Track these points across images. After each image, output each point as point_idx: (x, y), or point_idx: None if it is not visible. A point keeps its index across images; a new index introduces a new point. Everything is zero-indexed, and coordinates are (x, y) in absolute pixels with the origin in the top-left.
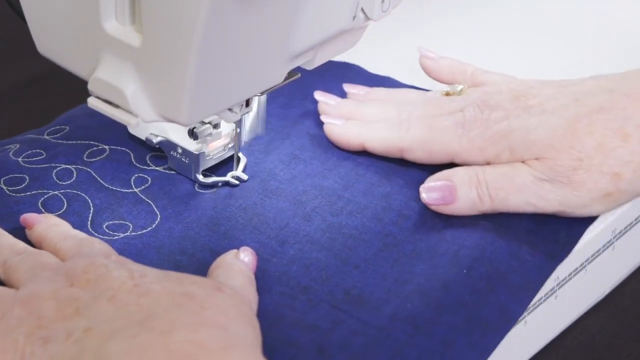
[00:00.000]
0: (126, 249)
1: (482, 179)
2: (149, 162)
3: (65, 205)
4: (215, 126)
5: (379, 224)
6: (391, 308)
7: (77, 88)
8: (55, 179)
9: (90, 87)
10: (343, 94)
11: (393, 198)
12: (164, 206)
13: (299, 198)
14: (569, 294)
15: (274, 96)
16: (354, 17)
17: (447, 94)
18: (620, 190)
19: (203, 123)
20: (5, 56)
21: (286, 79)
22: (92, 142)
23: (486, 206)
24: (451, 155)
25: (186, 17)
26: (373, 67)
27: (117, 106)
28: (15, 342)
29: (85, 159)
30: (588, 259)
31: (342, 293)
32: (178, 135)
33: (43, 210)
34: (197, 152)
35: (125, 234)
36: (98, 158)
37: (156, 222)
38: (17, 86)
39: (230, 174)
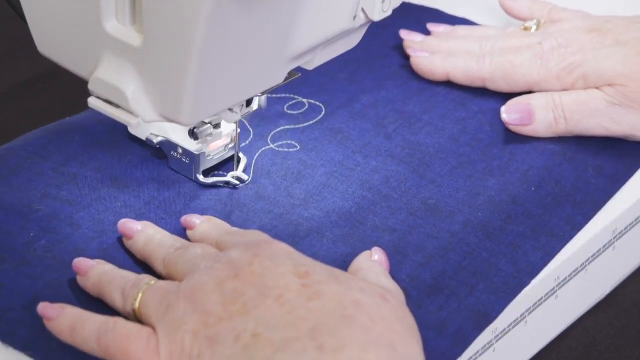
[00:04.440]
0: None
1: (559, 102)
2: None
3: None
4: (216, 126)
5: (455, 144)
6: (464, 216)
7: (77, 88)
8: None
9: (90, 86)
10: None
11: (468, 122)
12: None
13: (381, 121)
14: (569, 294)
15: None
16: (354, 17)
17: (525, 29)
18: None
19: (203, 123)
20: (5, 56)
21: (286, 79)
22: None
23: (561, 128)
24: (530, 84)
25: (187, 17)
26: (450, 10)
27: (117, 106)
28: (182, 341)
29: None
30: (588, 259)
31: (419, 202)
32: (178, 135)
33: None
34: (197, 152)
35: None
36: None
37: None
38: (17, 86)
39: (230, 174)
